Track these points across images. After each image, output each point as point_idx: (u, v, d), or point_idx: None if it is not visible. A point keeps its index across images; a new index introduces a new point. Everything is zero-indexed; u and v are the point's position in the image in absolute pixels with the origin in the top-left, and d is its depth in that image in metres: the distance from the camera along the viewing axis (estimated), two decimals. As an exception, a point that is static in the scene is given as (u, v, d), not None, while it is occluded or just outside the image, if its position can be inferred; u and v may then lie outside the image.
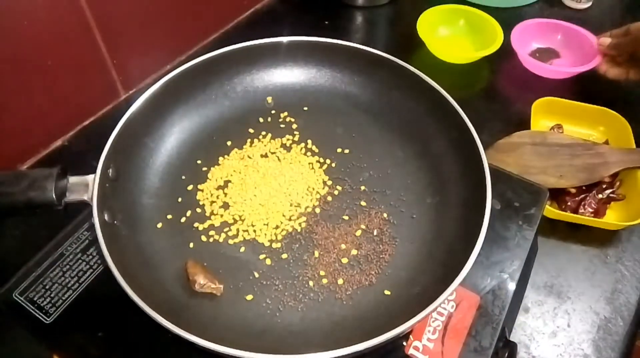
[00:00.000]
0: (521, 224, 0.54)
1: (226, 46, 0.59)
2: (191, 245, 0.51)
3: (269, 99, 0.62)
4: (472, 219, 0.45)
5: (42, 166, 0.58)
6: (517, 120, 0.71)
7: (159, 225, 0.52)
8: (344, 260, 0.50)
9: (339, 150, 0.59)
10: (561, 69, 0.79)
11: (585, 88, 0.77)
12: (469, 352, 0.46)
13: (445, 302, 0.48)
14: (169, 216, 0.53)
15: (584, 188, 0.64)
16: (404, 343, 0.47)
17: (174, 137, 0.58)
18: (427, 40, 0.80)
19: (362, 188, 0.56)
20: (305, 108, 0.62)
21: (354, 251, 0.51)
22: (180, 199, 0.54)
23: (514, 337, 0.53)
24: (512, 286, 0.50)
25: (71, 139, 0.67)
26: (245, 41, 0.60)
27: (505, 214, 0.54)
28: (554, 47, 0.84)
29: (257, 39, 0.60)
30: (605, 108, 0.70)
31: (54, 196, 0.45)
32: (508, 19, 0.84)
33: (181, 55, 0.76)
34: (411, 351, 0.46)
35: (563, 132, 0.70)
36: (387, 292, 0.48)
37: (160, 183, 0.55)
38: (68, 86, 0.63)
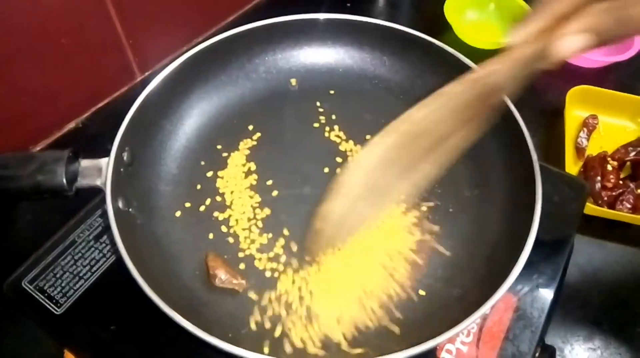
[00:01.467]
0: (561, 221, 0.51)
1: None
2: (211, 235, 0.49)
3: (293, 81, 0.60)
4: (519, 218, 0.42)
5: (55, 149, 0.56)
6: (550, 109, 0.69)
7: (177, 214, 0.50)
8: (375, 256, 0.47)
9: (368, 137, 0.56)
10: (597, 57, 0.75)
11: (620, 77, 0.74)
12: (505, 358, 0.43)
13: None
14: (187, 205, 0.51)
15: (621, 182, 0.60)
16: (436, 347, 0.44)
17: (192, 120, 0.55)
18: (455, 24, 0.76)
19: (393, 178, 0.53)
20: (332, 91, 0.60)
21: (385, 247, 0.48)
22: (199, 187, 0.52)
23: (547, 339, 0.51)
24: (552, 287, 0.47)
25: (85, 121, 0.65)
26: (265, 21, 0.57)
27: (544, 210, 0.50)
28: (587, 34, 0.80)
29: (278, 18, 0.58)
30: (644, 98, 0.66)
31: (64, 181, 0.43)
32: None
33: (199, 36, 0.73)
34: (443, 355, 0.44)
35: (598, 123, 0.66)
36: (422, 292, 0.45)
37: (177, 168, 0.53)
38: (82, 65, 0.61)
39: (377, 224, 0.46)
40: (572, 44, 0.31)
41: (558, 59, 0.32)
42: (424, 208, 0.50)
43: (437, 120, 0.36)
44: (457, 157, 0.38)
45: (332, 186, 0.39)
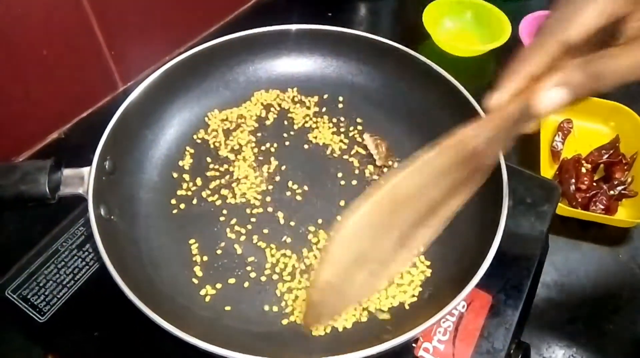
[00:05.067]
0: (534, 221, 0.52)
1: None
2: (192, 241, 0.50)
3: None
4: (488, 218, 0.43)
5: (38, 159, 0.57)
6: (526, 114, 0.70)
7: (158, 220, 0.50)
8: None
9: (346, 141, 0.57)
10: (571, 63, 0.77)
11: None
12: (481, 354, 0.45)
13: (456, 302, 0.46)
14: (168, 211, 0.51)
15: (594, 184, 0.62)
16: (414, 345, 0.45)
17: (173, 129, 0.56)
18: (433, 33, 0.78)
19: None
20: (311, 99, 0.60)
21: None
22: (179, 194, 0.53)
23: (524, 337, 0.52)
24: (525, 285, 0.48)
25: (68, 132, 0.65)
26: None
27: (517, 211, 0.52)
28: (562, 41, 0.82)
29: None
30: (617, 103, 0.68)
31: (47, 190, 0.43)
32: (515, 11, 0.82)
33: (181, 46, 0.74)
34: (421, 353, 0.45)
35: (572, 127, 0.68)
36: (397, 292, 0.46)
37: (159, 176, 0.53)
38: (64, 76, 0.61)
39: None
40: (549, 101, 0.30)
41: (537, 117, 0.31)
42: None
43: (419, 185, 0.34)
44: (449, 219, 0.36)
45: (321, 255, 0.38)
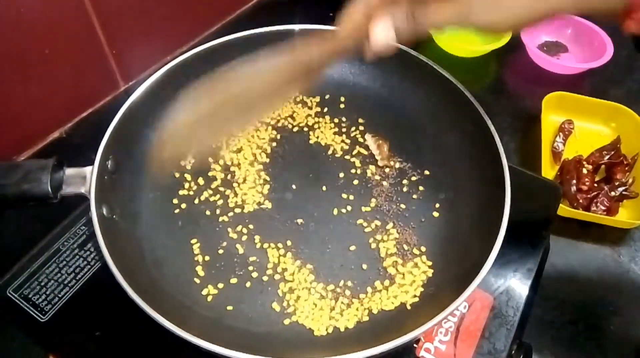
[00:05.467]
0: (535, 222, 0.52)
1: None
2: (194, 240, 0.50)
3: (275, 90, 0.60)
4: (490, 218, 0.43)
5: (39, 158, 0.57)
6: (527, 115, 0.70)
7: (160, 220, 0.50)
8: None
9: (347, 141, 0.57)
10: (573, 64, 0.78)
11: (594, 83, 0.76)
12: (482, 355, 0.45)
13: (458, 303, 0.46)
14: (170, 211, 0.51)
15: (595, 185, 0.62)
16: (415, 345, 0.45)
17: (175, 129, 0.56)
18: (435, 34, 0.78)
19: (372, 182, 0.54)
20: (312, 99, 0.60)
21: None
22: (181, 193, 0.53)
23: (525, 338, 0.52)
24: (526, 286, 0.48)
25: (69, 131, 0.65)
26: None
27: (519, 212, 0.52)
28: (563, 41, 0.82)
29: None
30: (617, 104, 0.68)
31: (49, 189, 0.43)
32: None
33: (182, 46, 0.74)
34: (422, 353, 0.45)
35: (574, 128, 0.68)
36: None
37: (160, 176, 0.53)
38: (66, 75, 0.61)
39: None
40: (378, 38, 0.36)
41: (372, 50, 0.37)
42: (399, 211, 0.52)
43: (260, 81, 0.42)
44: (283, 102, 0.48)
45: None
